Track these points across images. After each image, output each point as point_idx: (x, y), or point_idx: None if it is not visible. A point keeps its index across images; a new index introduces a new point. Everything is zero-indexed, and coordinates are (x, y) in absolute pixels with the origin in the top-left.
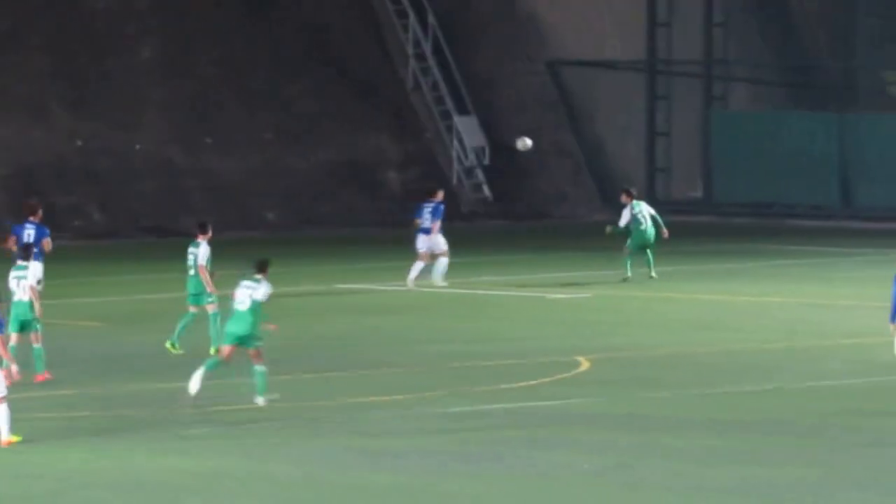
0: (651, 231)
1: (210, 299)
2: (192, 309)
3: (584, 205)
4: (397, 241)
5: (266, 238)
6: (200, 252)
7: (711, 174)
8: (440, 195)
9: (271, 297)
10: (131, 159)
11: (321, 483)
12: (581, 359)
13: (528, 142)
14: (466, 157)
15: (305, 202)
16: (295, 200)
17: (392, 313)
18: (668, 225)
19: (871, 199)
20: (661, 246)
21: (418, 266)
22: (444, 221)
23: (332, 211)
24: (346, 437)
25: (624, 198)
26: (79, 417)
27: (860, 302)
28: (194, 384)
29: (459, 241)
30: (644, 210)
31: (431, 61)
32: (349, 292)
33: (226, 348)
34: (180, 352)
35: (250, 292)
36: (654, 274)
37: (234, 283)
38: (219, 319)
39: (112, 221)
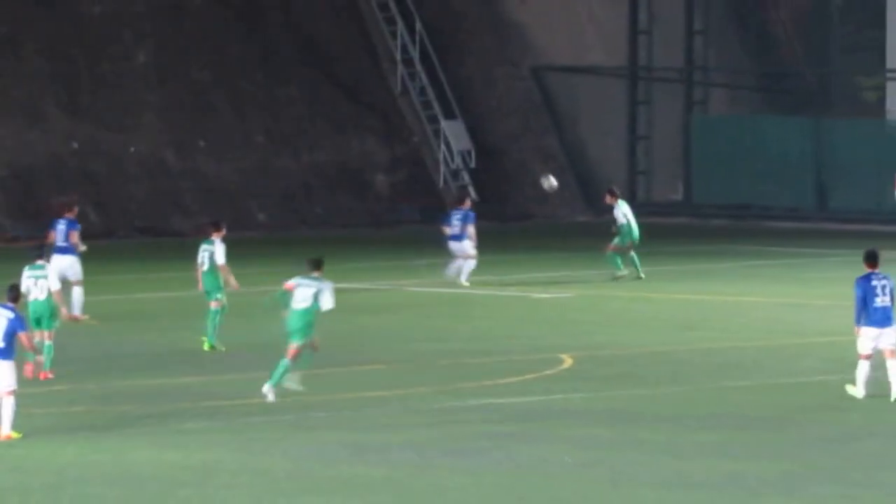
0: (637, 230)
1: (218, 296)
2: (220, 304)
3: (568, 206)
4: (386, 241)
5: (258, 238)
6: (217, 250)
7: (691, 177)
8: (468, 203)
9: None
10: (126, 161)
11: (313, 476)
12: (564, 356)
13: (554, 182)
14: (453, 160)
15: (296, 203)
16: (286, 202)
17: (381, 312)
18: (648, 226)
19: (845, 201)
20: (643, 247)
21: (469, 264)
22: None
23: (322, 212)
24: (338, 432)
25: (609, 199)
26: (76, 413)
27: (835, 301)
28: (293, 386)
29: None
30: (627, 210)
31: (419, 67)
32: (339, 291)
33: (292, 349)
34: (221, 349)
35: (312, 291)
36: (642, 274)
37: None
38: (219, 317)
39: (107, 222)
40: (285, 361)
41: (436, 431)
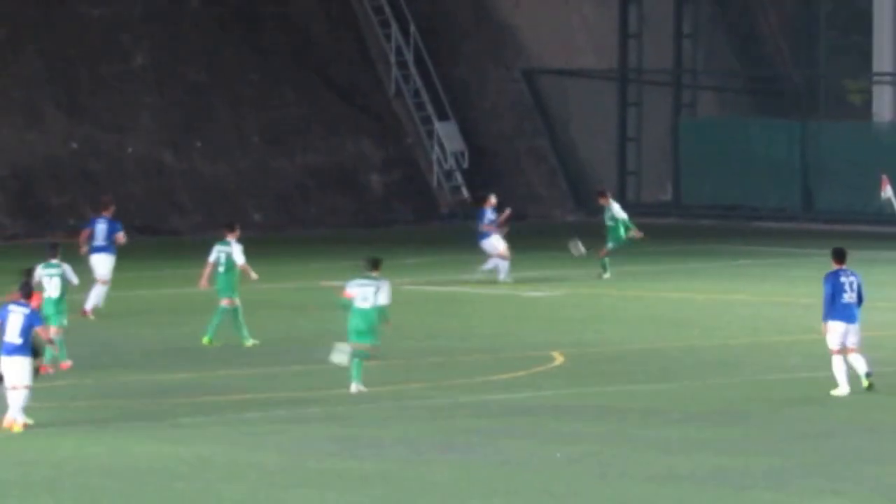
0: (623, 231)
1: (232, 295)
2: (234, 303)
3: (558, 206)
4: (379, 240)
5: (253, 238)
6: (235, 250)
7: (679, 178)
8: (493, 200)
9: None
10: (124, 161)
11: (306, 470)
12: (555, 353)
13: (582, 249)
14: (446, 160)
15: (291, 203)
16: (281, 201)
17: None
18: (638, 226)
19: (830, 202)
20: (633, 246)
21: (504, 264)
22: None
23: (316, 212)
24: (331, 427)
25: (602, 200)
26: (74, 407)
27: (820, 300)
28: (355, 388)
29: (439, 241)
30: (618, 211)
31: (413, 69)
32: (333, 289)
33: (356, 346)
34: (256, 342)
35: (373, 290)
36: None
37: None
38: (223, 316)
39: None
40: (357, 360)
41: (427, 427)
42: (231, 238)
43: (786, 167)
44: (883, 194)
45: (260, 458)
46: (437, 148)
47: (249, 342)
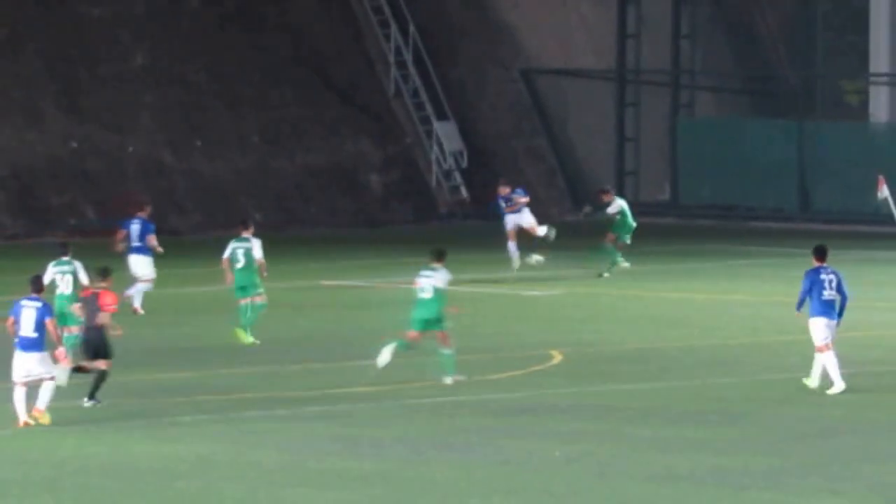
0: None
1: (259, 290)
2: (242, 302)
3: (557, 206)
4: (379, 240)
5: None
6: (254, 245)
7: (677, 178)
8: (504, 189)
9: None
10: (123, 161)
11: (306, 469)
12: (554, 353)
13: (549, 234)
14: (445, 160)
15: (291, 203)
16: (281, 201)
17: (373, 308)
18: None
19: (828, 202)
20: (632, 245)
21: (513, 246)
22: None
23: (316, 211)
24: (330, 426)
25: (605, 196)
26: (75, 406)
27: None
28: (384, 358)
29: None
30: (624, 205)
31: (412, 69)
32: (332, 288)
33: (413, 333)
34: (256, 341)
35: (432, 280)
36: (607, 273)
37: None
38: (261, 311)
39: (105, 220)
40: (445, 351)
41: (427, 426)
42: (247, 234)
43: (783, 167)
44: (880, 194)
45: (260, 457)
46: (436, 148)
47: (250, 340)
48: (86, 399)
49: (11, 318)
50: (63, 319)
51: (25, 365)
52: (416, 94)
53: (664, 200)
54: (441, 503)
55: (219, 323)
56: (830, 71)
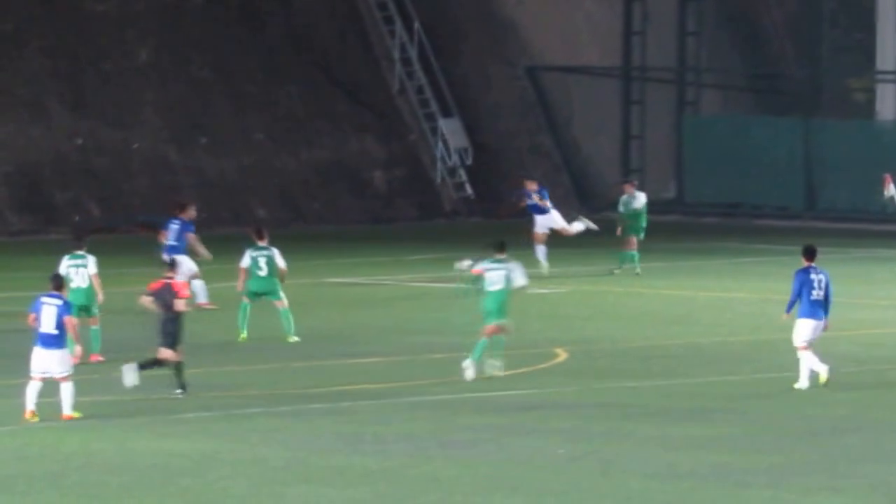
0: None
1: (281, 295)
2: (246, 301)
3: (561, 204)
4: (383, 237)
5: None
6: (276, 254)
7: (683, 175)
8: (531, 185)
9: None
10: (128, 157)
11: (310, 466)
12: (558, 350)
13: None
14: (450, 157)
15: (295, 200)
16: (285, 198)
17: (377, 306)
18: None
19: (833, 200)
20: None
21: (542, 250)
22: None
23: (320, 208)
24: (334, 423)
25: (629, 188)
26: (79, 403)
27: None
28: (469, 370)
29: (443, 238)
30: (638, 202)
31: (417, 66)
32: (337, 286)
33: (490, 328)
34: (244, 336)
35: (503, 273)
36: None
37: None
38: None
39: (110, 217)
40: (484, 340)
41: (431, 423)
42: (263, 243)
43: (789, 165)
44: (886, 192)
45: (263, 453)
46: (440, 145)
47: (244, 335)
48: (178, 391)
49: (32, 315)
50: (79, 312)
51: (45, 362)
52: (420, 90)
53: (669, 198)
54: (445, 500)
55: (223, 319)
56: (837, 68)
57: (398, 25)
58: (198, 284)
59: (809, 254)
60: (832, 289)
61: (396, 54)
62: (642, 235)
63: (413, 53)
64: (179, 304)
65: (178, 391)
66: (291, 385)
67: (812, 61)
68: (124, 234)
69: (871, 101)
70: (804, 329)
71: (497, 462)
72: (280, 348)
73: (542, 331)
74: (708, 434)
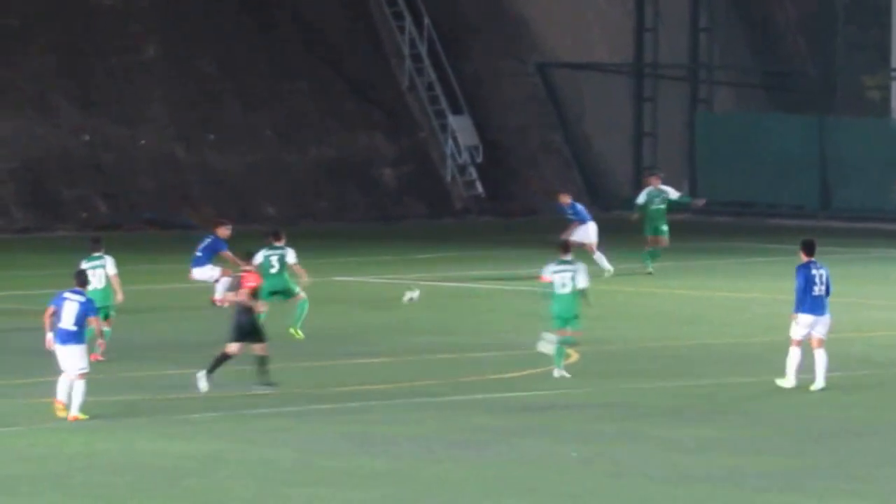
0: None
1: (297, 290)
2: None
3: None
4: (392, 235)
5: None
6: (289, 253)
7: (695, 174)
8: (565, 198)
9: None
10: (135, 154)
11: (317, 468)
12: (569, 350)
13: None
14: (460, 155)
15: (303, 197)
16: (293, 195)
17: (387, 306)
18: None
19: (848, 199)
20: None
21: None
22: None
23: (329, 206)
24: (342, 424)
25: (655, 181)
26: (84, 402)
27: (836, 298)
28: (557, 373)
29: (453, 237)
30: (655, 197)
31: (426, 62)
32: (345, 285)
33: (563, 332)
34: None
35: (570, 275)
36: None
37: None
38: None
39: (116, 214)
40: (559, 347)
41: (439, 424)
42: (280, 244)
43: (803, 163)
44: None
45: (270, 455)
46: (450, 142)
47: (299, 335)
48: (257, 386)
49: (52, 308)
50: (101, 312)
51: (71, 359)
52: (430, 87)
53: None
54: (454, 503)
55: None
56: (851, 66)
57: (408, 22)
58: (224, 282)
59: (809, 248)
60: (831, 284)
61: (406, 51)
62: (667, 231)
63: (423, 50)
64: (241, 294)
65: (265, 387)
66: (298, 385)
67: (826, 58)
68: (130, 231)
69: (885, 99)
70: (804, 325)
71: (507, 464)
72: (287, 348)
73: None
74: (721, 436)
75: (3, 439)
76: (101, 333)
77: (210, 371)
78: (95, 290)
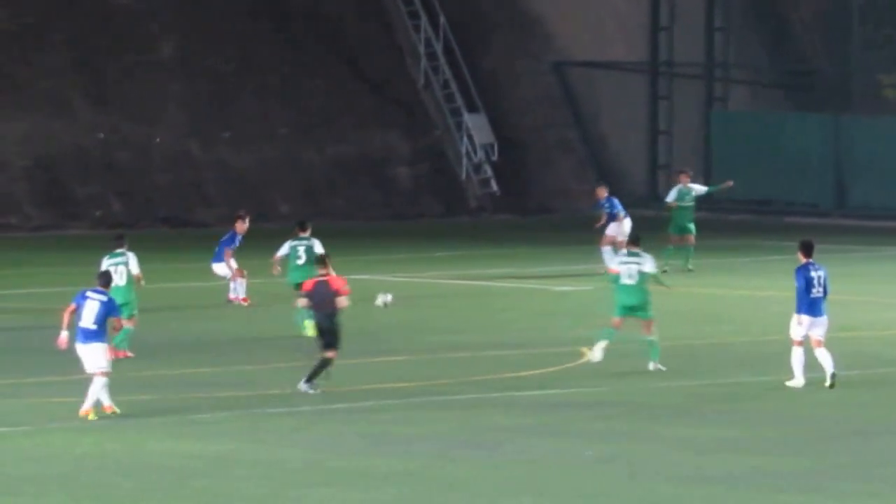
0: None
1: None
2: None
3: (587, 200)
4: (407, 233)
5: (280, 229)
6: (316, 244)
7: (711, 172)
8: (602, 192)
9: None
10: (150, 152)
11: (330, 468)
12: (584, 349)
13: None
14: (475, 152)
15: (319, 195)
16: (309, 193)
17: (402, 304)
18: (669, 221)
19: (864, 197)
20: (663, 241)
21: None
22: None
23: (344, 204)
24: (356, 424)
25: (685, 178)
26: (98, 402)
27: (853, 297)
28: (597, 354)
29: (468, 235)
30: (683, 194)
31: (442, 60)
32: (360, 283)
33: (616, 320)
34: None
35: (637, 267)
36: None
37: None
38: None
39: (130, 211)
40: (649, 338)
41: (454, 424)
42: (305, 234)
43: (819, 162)
44: None
45: (282, 455)
46: (466, 140)
47: (310, 332)
48: (302, 383)
49: (73, 306)
50: (122, 310)
51: (93, 357)
52: (446, 85)
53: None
54: (468, 502)
55: (243, 317)
56: (867, 64)
57: (423, 20)
58: (240, 283)
59: (807, 249)
60: (829, 285)
61: (422, 49)
62: (694, 229)
63: (438, 48)
64: (341, 302)
65: (304, 384)
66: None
67: (842, 57)
68: (144, 229)
69: None
70: (802, 325)
71: (523, 464)
72: (300, 346)
73: (567, 329)
74: (738, 436)
75: (12, 439)
76: (117, 331)
77: (309, 379)
78: (117, 287)
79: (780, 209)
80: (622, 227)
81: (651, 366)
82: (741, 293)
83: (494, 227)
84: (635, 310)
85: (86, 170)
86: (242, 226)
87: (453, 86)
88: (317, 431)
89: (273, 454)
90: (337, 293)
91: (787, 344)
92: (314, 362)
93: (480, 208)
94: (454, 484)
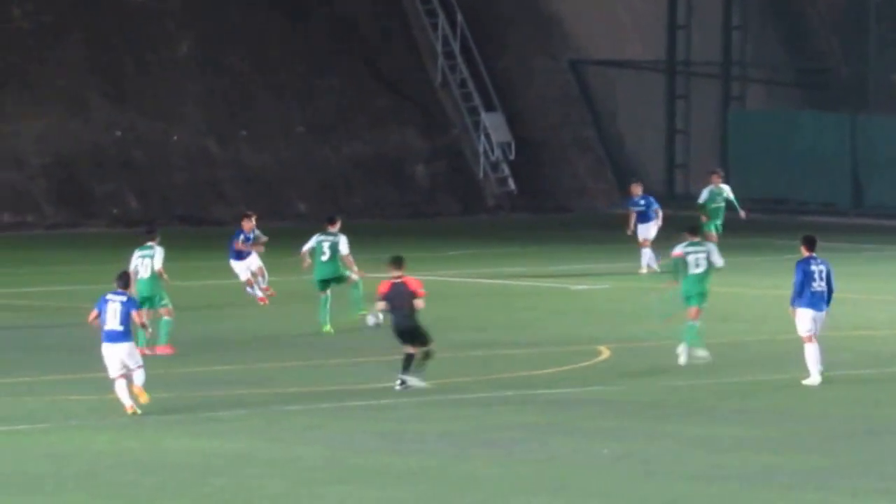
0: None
1: (348, 275)
2: (322, 295)
3: (605, 198)
4: (424, 232)
5: (297, 228)
6: (342, 241)
7: (728, 171)
8: (637, 189)
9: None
10: (168, 150)
11: (347, 466)
12: (601, 348)
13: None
14: (493, 151)
15: (336, 193)
16: (325, 192)
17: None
18: (685, 219)
19: (880, 197)
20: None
21: (645, 253)
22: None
23: (361, 202)
24: (373, 422)
25: (716, 178)
26: (110, 400)
27: (870, 296)
28: (683, 359)
29: (485, 234)
30: (714, 194)
31: (459, 59)
32: (377, 281)
33: (693, 310)
34: (332, 332)
35: (704, 256)
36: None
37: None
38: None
39: (147, 210)
40: (692, 324)
41: (472, 421)
42: (333, 230)
43: (835, 161)
44: None
45: (300, 453)
46: (483, 139)
47: (328, 328)
48: (399, 381)
49: (95, 312)
50: (143, 303)
51: (117, 357)
52: (463, 84)
53: None
54: (485, 501)
55: (262, 315)
56: (883, 63)
57: (441, 18)
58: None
59: (810, 243)
60: (834, 279)
61: (439, 47)
62: (721, 229)
63: (456, 47)
64: (420, 304)
65: (417, 379)
66: (330, 382)
67: (859, 56)
68: (161, 227)
69: None
70: (805, 319)
71: (539, 462)
72: (319, 344)
73: (584, 328)
74: (753, 434)
75: (30, 436)
76: (144, 326)
77: (403, 383)
78: (142, 280)
79: (796, 208)
80: (650, 228)
81: (696, 353)
82: (756, 292)
83: (512, 226)
84: (695, 297)
85: (103, 168)
86: (249, 224)
87: (470, 84)
88: (334, 429)
89: (290, 452)
90: (414, 294)
91: (801, 343)
92: (409, 359)
93: (498, 207)
94: (470, 482)
